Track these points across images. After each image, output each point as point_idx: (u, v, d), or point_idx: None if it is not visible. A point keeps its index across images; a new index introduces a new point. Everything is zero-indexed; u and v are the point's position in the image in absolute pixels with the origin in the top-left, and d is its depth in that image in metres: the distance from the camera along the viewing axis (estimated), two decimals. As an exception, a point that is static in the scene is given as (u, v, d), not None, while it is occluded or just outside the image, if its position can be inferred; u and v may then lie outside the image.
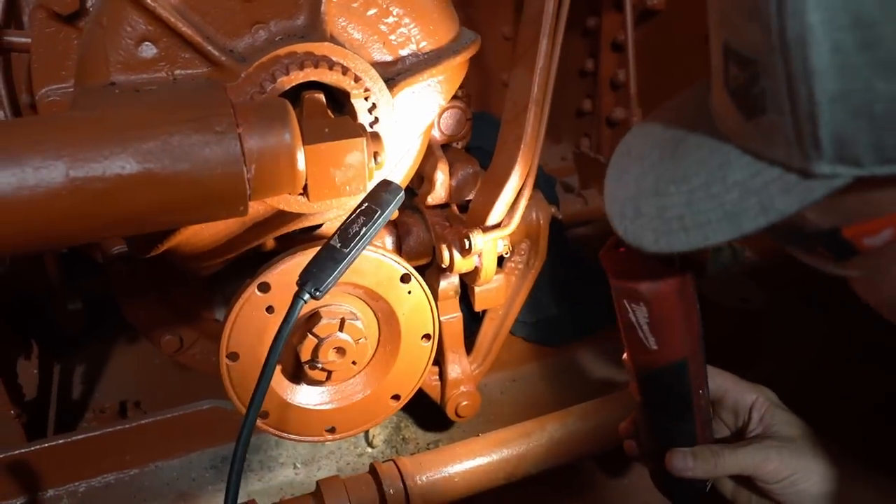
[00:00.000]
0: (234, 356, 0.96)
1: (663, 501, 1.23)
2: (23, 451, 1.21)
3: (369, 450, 1.34)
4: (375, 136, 0.84)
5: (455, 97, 1.14)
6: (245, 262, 1.05)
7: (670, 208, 0.66)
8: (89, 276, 1.55)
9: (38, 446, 1.22)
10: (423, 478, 1.06)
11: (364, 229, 0.87)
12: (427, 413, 1.38)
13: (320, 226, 1.02)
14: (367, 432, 1.35)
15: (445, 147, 1.18)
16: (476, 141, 1.40)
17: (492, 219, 1.03)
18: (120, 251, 1.19)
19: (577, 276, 1.56)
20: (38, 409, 1.41)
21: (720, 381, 0.93)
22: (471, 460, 1.09)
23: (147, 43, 0.84)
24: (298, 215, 0.94)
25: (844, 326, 1.38)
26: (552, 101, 2.15)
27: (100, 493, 1.26)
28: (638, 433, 0.97)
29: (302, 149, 0.76)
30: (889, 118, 0.51)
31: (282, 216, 0.94)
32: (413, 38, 0.94)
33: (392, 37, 0.92)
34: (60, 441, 1.23)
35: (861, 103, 0.51)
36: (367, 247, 0.93)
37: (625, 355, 0.90)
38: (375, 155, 0.83)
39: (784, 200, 0.58)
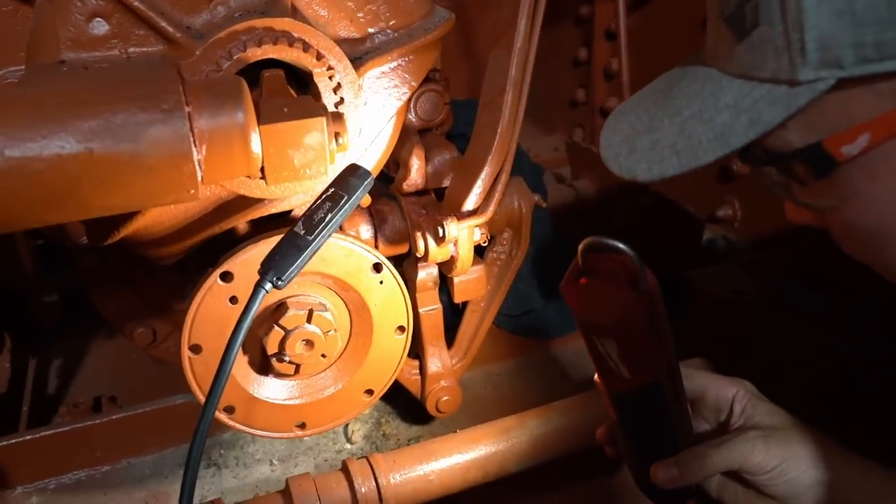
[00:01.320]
0: (196, 348, 0.93)
1: (648, 499, 1.20)
2: (-10, 446, 1.18)
3: (348, 446, 1.30)
4: (337, 117, 0.80)
5: (432, 80, 1.11)
6: (218, 250, 1.01)
7: (663, 139, 0.71)
8: (66, 268, 1.52)
9: (6, 442, 1.19)
10: (398, 476, 1.02)
11: (330, 215, 0.84)
12: (408, 408, 1.35)
13: (290, 212, 0.98)
14: (346, 428, 1.32)
15: (423, 132, 1.14)
16: (462, 128, 1.36)
17: (467, 206, 0.99)
18: (88, 241, 1.16)
19: (564, 268, 1.52)
20: (10, 403, 1.38)
21: (699, 381, 0.91)
22: (448, 458, 1.05)
23: (98, 19, 0.79)
24: (260, 200, 0.90)
25: (840, 318, 1.35)
26: (545, 91, 2.12)
27: (70, 490, 1.23)
28: (617, 444, 0.94)
29: (257, 129, 0.72)
30: (868, 15, 0.56)
31: (244, 201, 0.90)
32: (382, 16, 0.90)
33: (360, 14, 0.88)
34: (28, 437, 1.20)
35: (843, 3, 0.57)
36: (336, 234, 0.90)
37: (596, 377, 0.87)
38: (337, 136, 0.79)
39: (770, 112, 0.63)
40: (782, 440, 0.84)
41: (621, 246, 0.76)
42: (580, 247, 0.80)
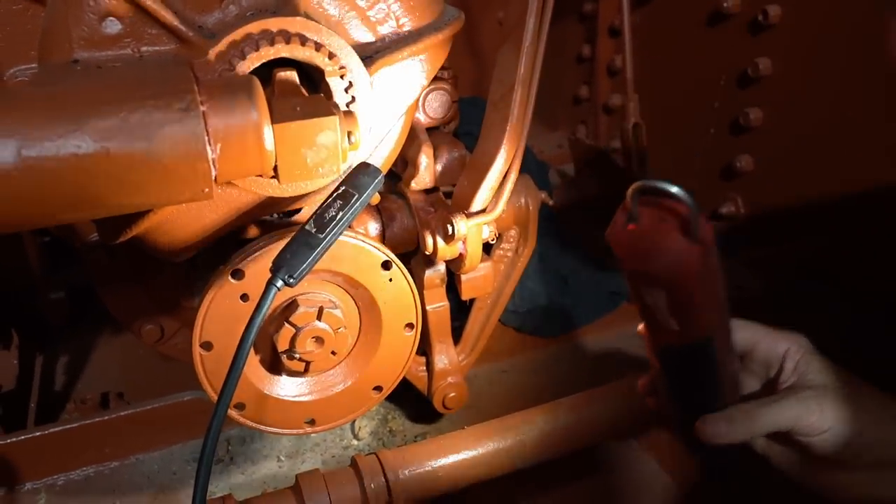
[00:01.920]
0: (207, 346, 0.93)
1: (655, 496, 1.20)
2: (-1, 443, 1.19)
3: (355, 442, 1.31)
4: (349, 115, 0.81)
5: (440, 79, 1.11)
6: (228, 248, 1.02)
7: None
8: (73, 266, 1.52)
9: (14, 438, 1.20)
10: (406, 472, 1.03)
11: (341, 214, 0.84)
12: (415, 405, 1.35)
13: (299, 210, 0.99)
14: (353, 424, 1.32)
15: (431, 131, 1.14)
16: (468, 126, 1.37)
17: (476, 204, 1.00)
18: (97, 238, 1.16)
19: (570, 265, 1.53)
20: (17, 400, 1.38)
21: (750, 334, 0.87)
22: (455, 454, 1.06)
23: (111, 18, 0.80)
24: (273, 199, 0.90)
25: (842, 314, 1.35)
26: (549, 88, 2.12)
27: (79, 487, 1.24)
28: (659, 396, 0.90)
29: (270, 127, 0.73)
30: None
31: (257, 200, 0.91)
32: (393, 15, 0.90)
33: (370, 13, 0.89)
34: (37, 433, 1.21)
35: None
36: (346, 232, 0.90)
37: (641, 327, 0.82)
38: (349, 135, 0.79)
39: None
40: (837, 400, 0.80)
41: (675, 190, 0.70)
42: (630, 190, 0.74)
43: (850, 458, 0.80)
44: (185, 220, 0.89)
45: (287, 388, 1.00)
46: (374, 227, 1.10)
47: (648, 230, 0.72)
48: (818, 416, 0.79)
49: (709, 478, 0.91)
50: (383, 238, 1.10)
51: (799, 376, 0.84)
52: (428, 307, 1.16)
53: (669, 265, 0.70)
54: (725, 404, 0.84)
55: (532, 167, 1.51)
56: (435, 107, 1.12)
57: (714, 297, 0.76)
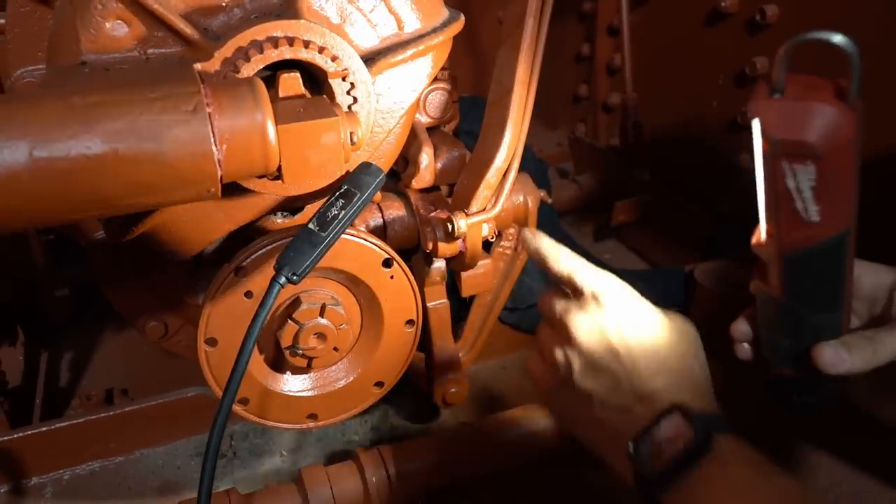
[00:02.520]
0: (212, 342, 0.95)
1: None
2: (5, 438, 1.21)
3: (356, 437, 1.33)
4: (352, 116, 0.82)
5: (440, 79, 1.13)
6: (232, 246, 1.03)
7: None
8: (78, 263, 1.54)
9: (21, 433, 1.22)
10: (408, 466, 1.04)
11: (343, 212, 0.86)
12: (415, 400, 1.37)
13: (303, 209, 1.00)
14: (354, 419, 1.34)
15: (431, 130, 1.16)
16: (469, 125, 1.38)
17: (476, 202, 1.01)
18: (103, 236, 1.18)
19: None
20: (23, 396, 1.40)
21: (858, 267, 0.81)
22: (457, 448, 1.07)
23: (118, 21, 0.81)
24: (277, 198, 0.92)
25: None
26: (548, 87, 2.13)
27: (84, 481, 1.26)
28: (759, 334, 0.85)
29: (275, 129, 0.74)
30: None
31: (261, 199, 0.92)
32: (393, 17, 0.91)
33: (372, 15, 0.90)
34: (43, 428, 1.23)
35: None
36: (348, 230, 0.92)
37: (757, 238, 0.77)
38: (352, 135, 0.81)
39: None
40: None
41: (838, 39, 0.64)
42: (780, 52, 0.67)
43: None
44: (190, 218, 0.91)
45: (290, 383, 1.02)
46: (376, 225, 1.12)
47: (797, 97, 0.67)
48: None
49: (796, 412, 0.87)
50: (385, 236, 1.12)
51: None
52: (429, 304, 1.18)
53: (828, 131, 0.65)
54: (842, 330, 0.79)
55: (531, 166, 1.53)
56: (435, 106, 1.14)
57: (858, 179, 0.70)
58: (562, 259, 0.86)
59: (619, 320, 0.79)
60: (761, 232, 0.78)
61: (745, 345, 0.89)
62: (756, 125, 0.70)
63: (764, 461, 0.68)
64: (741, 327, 0.88)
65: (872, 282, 0.84)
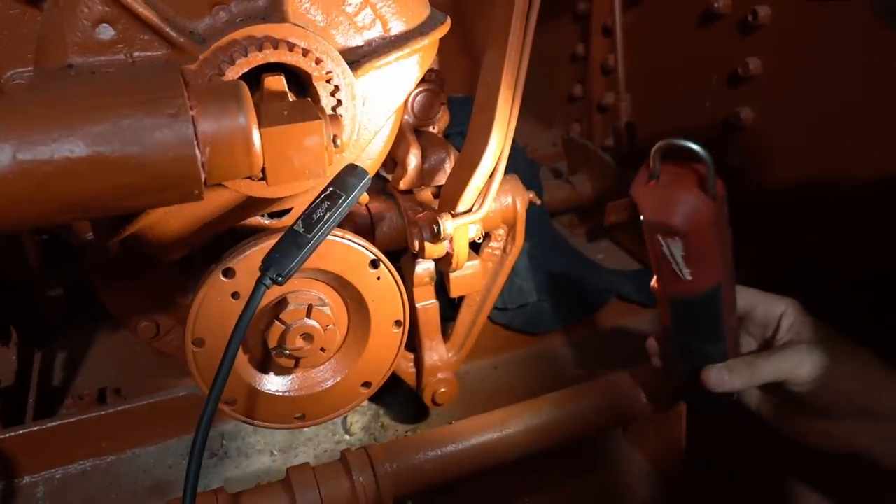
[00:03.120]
0: (199, 342, 0.95)
1: (641, 490, 1.23)
2: (-2, 437, 1.21)
3: (347, 437, 1.34)
4: (335, 119, 0.83)
5: (428, 80, 1.13)
6: (221, 247, 1.04)
7: None
8: (71, 263, 1.54)
9: (13, 433, 1.22)
10: (395, 466, 1.05)
11: (328, 214, 0.86)
12: (406, 401, 1.38)
13: (289, 211, 1.01)
14: (345, 419, 1.35)
15: (419, 131, 1.16)
16: (459, 126, 1.39)
17: (462, 204, 1.02)
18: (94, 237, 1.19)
19: (559, 263, 1.55)
20: (16, 395, 1.41)
21: (749, 297, 0.96)
22: (443, 448, 1.08)
23: (104, 24, 0.82)
24: (262, 200, 0.92)
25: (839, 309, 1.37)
26: (543, 87, 2.13)
27: (76, 480, 1.26)
28: (664, 352, 1.00)
29: (258, 131, 0.75)
30: None
31: (247, 201, 0.93)
32: (379, 20, 0.92)
33: (357, 18, 0.91)
34: (35, 428, 1.23)
35: None
36: (334, 232, 0.93)
37: (653, 283, 0.91)
38: (335, 138, 0.81)
39: None
40: (828, 353, 0.89)
41: (696, 147, 0.78)
42: (654, 149, 0.82)
43: (833, 407, 0.89)
44: (177, 220, 0.92)
45: (277, 383, 1.02)
46: (363, 226, 1.12)
47: (670, 185, 0.81)
48: (809, 367, 0.89)
49: (705, 413, 1.03)
50: (373, 237, 1.13)
51: (794, 335, 0.93)
52: (417, 305, 1.18)
53: (688, 216, 0.79)
54: (727, 355, 0.93)
55: (522, 166, 1.53)
56: (423, 107, 1.14)
57: (725, 247, 0.84)
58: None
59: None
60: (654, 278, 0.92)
61: (657, 358, 1.03)
62: (636, 204, 0.84)
63: None
64: (651, 344, 1.03)
65: (765, 311, 0.96)
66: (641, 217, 0.84)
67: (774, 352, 0.92)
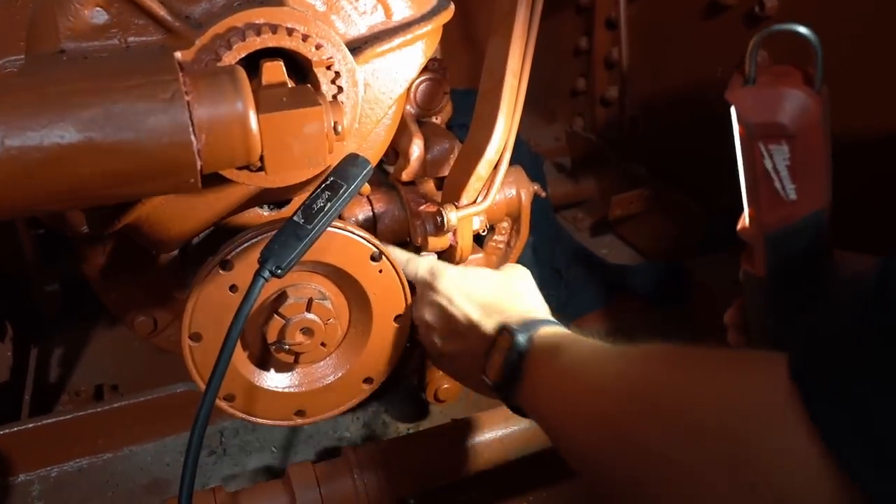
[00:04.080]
0: (196, 337, 0.93)
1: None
2: (-9, 434, 1.19)
3: (348, 434, 1.31)
4: (336, 106, 0.81)
5: (431, 69, 1.11)
6: (219, 239, 1.02)
7: None
8: (68, 258, 1.52)
9: (8, 430, 1.20)
10: (397, 464, 1.03)
11: (329, 205, 0.84)
12: (407, 397, 1.35)
13: (289, 201, 0.99)
14: (346, 416, 1.32)
15: (423, 122, 1.14)
16: (463, 118, 1.36)
17: (466, 195, 0.99)
18: (89, 230, 1.16)
19: (564, 258, 1.53)
20: (11, 392, 1.39)
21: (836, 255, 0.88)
22: (446, 446, 1.06)
23: (98, 8, 0.80)
24: (261, 189, 0.90)
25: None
26: (546, 81, 2.11)
27: (72, 478, 1.24)
28: (748, 316, 0.90)
29: (256, 118, 0.72)
30: None
31: (245, 191, 0.91)
32: (381, 5, 0.89)
33: (359, 3, 0.88)
34: (31, 425, 1.21)
35: None
36: (335, 223, 0.90)
37: (741, 225, 0.84)
38: (336, 125, 0.79)
39: None
40: None
41: (803, 30, 0.71)
42: (751, 44, 0.73)
43: None
44: (173, 210, 0.90)
45: (276, 379, 1.00)
46: (364, 218, 1.10)
47: (768, 84, 0.73)
48: None
49: None
50: (374, 229, 1.10)
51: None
52: (420, 299, 1.16)
53: (797, 113, 0.72)
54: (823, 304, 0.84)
55: (525, 159, 1.51)
56: (425, 97, 1.12)
57: (829, 164, 0.77)
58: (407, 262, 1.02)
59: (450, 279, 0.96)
60: (745, 217, 0.84)
61: (736, 333, 0.93)
62: (734, 112, 0.75)
63: (579, 337, 0.80)
64: (733, 314, 0.93)
65: (854, 270, 0.87)
66: (738, 125, 0.76)
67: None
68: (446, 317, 0.94)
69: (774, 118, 0.72)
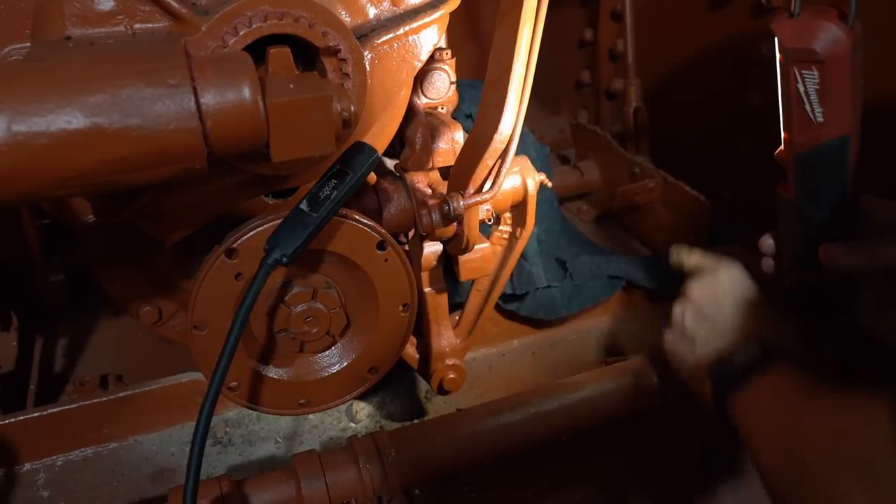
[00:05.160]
0: (202, 326, 0.93)
1: (645, 481, 1.20)
2: (-2, 423, 1.19)
3: (353, 424, 1.31)
4: (343, 93, 0.80)
5: (438, 59, 1.10)
6: (224, 228, 1.02)
7: None
8: (73, 249, 1.52)
9: (13, 419, 1.20)
10: (402, 453, 1.03)
11: (335, 193, 0.84)
12: (413, 387, 1.35)
13: (295, 189, 0.98)
14: (350, 406, 1.33)
15: (429, 111, 1.14)
16: (469, 108, 1.36)
17: (473, 184, 0.99)
18: (94, 220, 1.16)
19: (569, 249, 1.52)
20: (17, 381, 1.39)
21: (867, 201, 0.94)
22: (451, 435, 1.06)
23: (104, -6, 0.79)
24: (267, 177, 0.90)
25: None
26: (550, 73, 2.10)
27: (77, 467, 1.24)
28: (780, 245, 1.00)
29: (263, 104, 0.72)
30: None
31: (251, 179, 0.90)
32: (387, -7, 0.89)
33: (365, -10, 0.88)
34: (37, 414, 1.21)
35: None
36: (341, 212, 0.90)
37: (777, 151, 0.92)
38: (343, 113, 0.78)
39: None
40: None
41: None
42: None
43: None
44: (179, 199, 0.89)
45: (282, 368, 1.00)
46: (370, 207, 1.10)
47: (811, 16, 0.84)
48: None
49: (810, 316, 1.02)
50: (380, 218, 1.10)
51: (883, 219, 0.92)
52: (426, 288, 1.15)
53: (828, 42, 0.82)
54: (846, 234, 0.91)
55: (532, 151, 1.51)
56: (432, 87, 1.11)
57: (857, 95, 0.86)
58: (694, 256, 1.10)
59: (721, 282, 1.03)
60: (782, 141, 0.93)
61: (769, 259, 1.02)
62: (776, 41, 0.86)
63: (814, 380, 0.84)
64: (767, 241, 1.02)
65: (885, 216, 0.93)
66: (779, 51, 0.85)
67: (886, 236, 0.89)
68: (712, 313, 1.01)
69: (808, 44, 0.82)
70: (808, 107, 0.86)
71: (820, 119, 0.86)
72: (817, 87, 0.84)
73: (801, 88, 0.85)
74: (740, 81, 1.57)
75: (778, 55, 0.87)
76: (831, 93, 0.84)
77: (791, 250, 0.99)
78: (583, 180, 1.82)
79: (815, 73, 0.84)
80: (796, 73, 0.85)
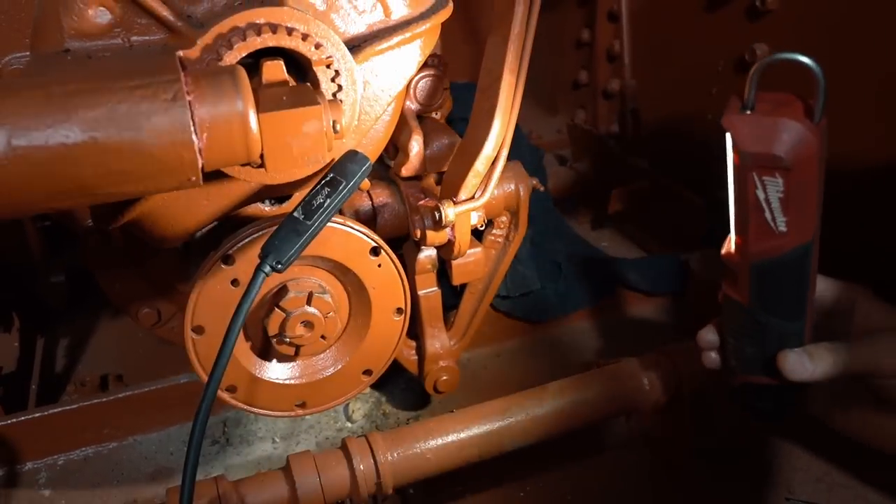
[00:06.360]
0: (199, 329, 0.95)
1: (641, 482, 1.22)
2: (0, 423, 1.22)
3: (349, 425, 1.33)
4: (335, 105, 0.82)
5: (430, 65, 1.12)
6: (221, 234, 1.03)
7: None
8: (73, 250, 1.54)
9: (15, 419, 1.22)
10: (396, 454, 1.04)
11: (328, 201, 0.86)
12: (408, 388, 1.37)
13: (290, 197, 1.00)
14: (346, 407, 1.34)
15: (422, 117, 1.15)
16: (463, 111, 1.37)
17: (464, 191, 1.01)
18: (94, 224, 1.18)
19: (564, 251, 1.54)
20: (18, 382, 1.41)
21: (819, 283, 0.85)
22: (444, 436, 1.07)
23: (101, 8, 0.81)
24: (262, 186, 0.91)
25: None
26: (548, 73, 2.11)
27: (78, 467, 1.26)
28: (724, 342, 0.89)
29: (256, 117, 0.74)
30: None
31: (246, 188, 0.92)
32: (380, 3, 0.90)
33: (359, 2, 0.89)
34: (38, 414, 1.24)
35: None
36: (335, 219, 0.92)
37: (729, 248, 0.81)
38: (335, 124, 0.80)
39: None
40: None
41: (806, 61, 0.68)
42: (751, 71, 0.71)
43: None
44: (175, 207, 0.91)
45: (277, 371, 1.02)
46: (364, 213, 1.11)
47: (770, 113, 0.71)
48: None
49: (759, 419, 0.92)
50: (375, 224, 1.12)
51: (872, 323, 0.83)
52: (419, 292, 1.17)
53: (795, 146, 0.69)
54: (804, 341, 0.82)
55: (525, 153, 1.52)
56: (425, 93, 1.13)
57: (821, 194, 0.74)
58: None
59: None
60: (731, 243, 0.81)
61: (713, 353, 0.92)
62: (729, 139, 0.73)
63: None
64: (708, 336, 0.91)
65: (836, 297, 0.87)
66: (733, 153, 0.73)
67: (859, 339, 0.81)
68: None
69: (771, 150, 0.69)
70: (768, 215, 0.74)
71: (783, 229, 0.74)
72: (780, 195, 0.72)
73: (762, 196, 0.73)
74: (736, 82, 1.58)
75: (731, 154, 0.74)
76: (796, 200, 0.72)
77: (740, 354, 0.87)
78: (579, 181, 1.84)
79: (780, 180, 0.71)
80: (756, 178, 0.72)
